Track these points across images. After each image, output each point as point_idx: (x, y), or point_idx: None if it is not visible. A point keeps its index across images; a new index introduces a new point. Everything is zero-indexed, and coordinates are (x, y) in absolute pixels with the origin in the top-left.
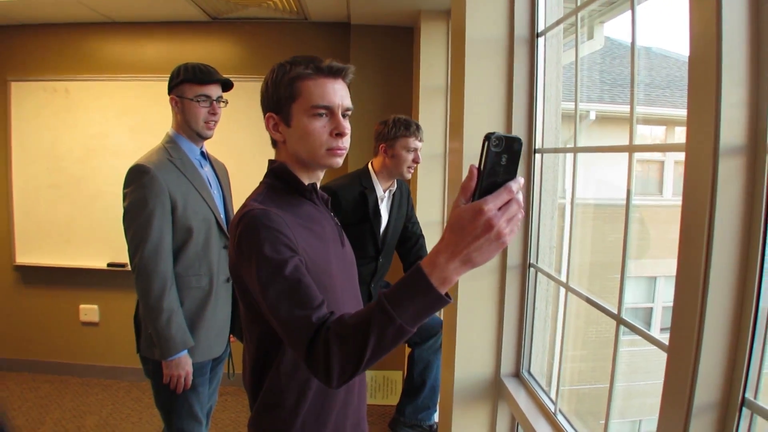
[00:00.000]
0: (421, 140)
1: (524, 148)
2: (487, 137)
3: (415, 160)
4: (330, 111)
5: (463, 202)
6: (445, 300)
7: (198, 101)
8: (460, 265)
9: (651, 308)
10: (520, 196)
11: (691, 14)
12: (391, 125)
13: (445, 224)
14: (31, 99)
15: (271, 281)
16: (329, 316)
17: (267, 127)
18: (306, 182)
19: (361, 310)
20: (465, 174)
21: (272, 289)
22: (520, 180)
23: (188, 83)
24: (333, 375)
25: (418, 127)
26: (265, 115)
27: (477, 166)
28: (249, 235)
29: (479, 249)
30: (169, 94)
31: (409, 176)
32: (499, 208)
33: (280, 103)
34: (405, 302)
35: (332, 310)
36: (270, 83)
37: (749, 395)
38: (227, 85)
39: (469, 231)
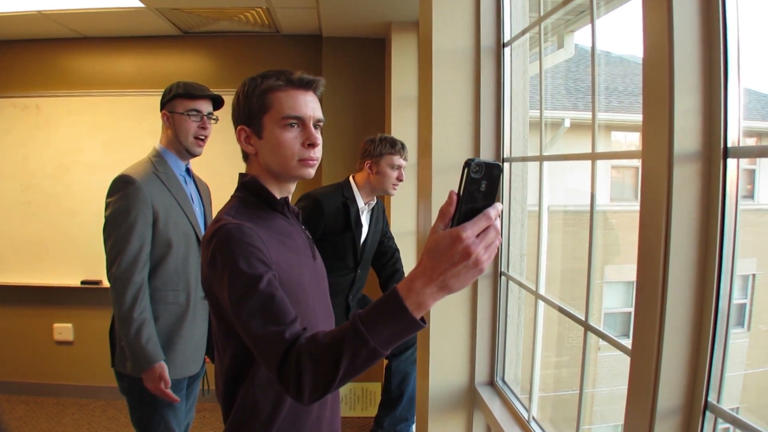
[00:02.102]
0: (405, 159)
1: (493, 157)
2: (467, 163)
3: (399, 178)
4: (301, 122)
5: (441, 228)
6: (419, 324)
7: (188, 115)
8: (437, 290)
9: (630, 313)
10: (498, 223)
11: (644, 22)
12: (378, 143)
13: (417, 235)
14: (1, 115)
15: (244, 296)
16: (302, 332)
17: (239, 140)
18: (278, 196)
19: (335, 330)
20: (435, 185)
21: (245, 305)
22: (499, 206)
23: (179, 98)
24: (304, 393)
25: (403, 146)
26: (236, 128)
27: (456, 191)
28: (223, 249)
29: (456, 276)
30: (161, 110)
31: (393, 192)
32: (477, 235)
33: (251, 115)
34: (379, 325)
35: (305, 326)
36: (241, 96)
37: (712, 398)
38: (217, 102)
39: (446, 258)
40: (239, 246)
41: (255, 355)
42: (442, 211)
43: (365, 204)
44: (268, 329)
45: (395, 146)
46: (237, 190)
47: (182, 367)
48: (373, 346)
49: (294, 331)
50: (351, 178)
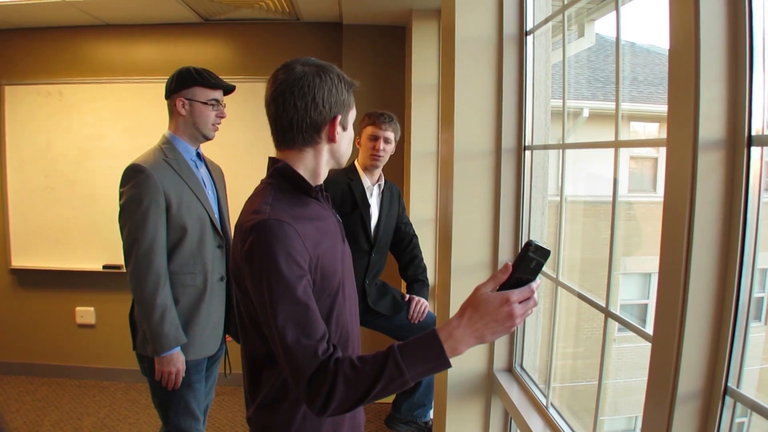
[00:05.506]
0: (385, 129)
1: (514, 145)
2: (528, 244)
3: (375, 148)
4: None
5: (490, 288)
6: (449, 365)
7: (211, 105)
8: (473, 339)
9: (646, 304)
10: (537, 294)
11: (671, 11)
12: (363, 117)
13: (437, 221)
14: (25, 102)
15: (281, 300)
16: (333, 352)
17: (331, 129)
18: (320, 182)
19: (371, 357)
20: (456, 171)
21: (281, 310)
22: (539, 281)
23: (200, 86)
24: (329, 410)
25: (383, 117)
26: (333, 116)
27: (512, 263)
28: (262, 245)
29: (494, 331)
30: (175, 95)
31: (373, 164)
32: (521, 302)
33: (344, 107)
34: (416, 361)
35: (334, 344)
36: (339, 87)
37: (732, 384)
38: (226, 90)
39: (492, 315)
40: (280, 245)
41: (279, 361)
42: (496, 277)
43: (372, 184)
44: (300, 341)
45: (372, 117)
46: (270, 176)
47: (201, 348)
48: (407, 378)
49: (325, 349)
50: (355, 161)
